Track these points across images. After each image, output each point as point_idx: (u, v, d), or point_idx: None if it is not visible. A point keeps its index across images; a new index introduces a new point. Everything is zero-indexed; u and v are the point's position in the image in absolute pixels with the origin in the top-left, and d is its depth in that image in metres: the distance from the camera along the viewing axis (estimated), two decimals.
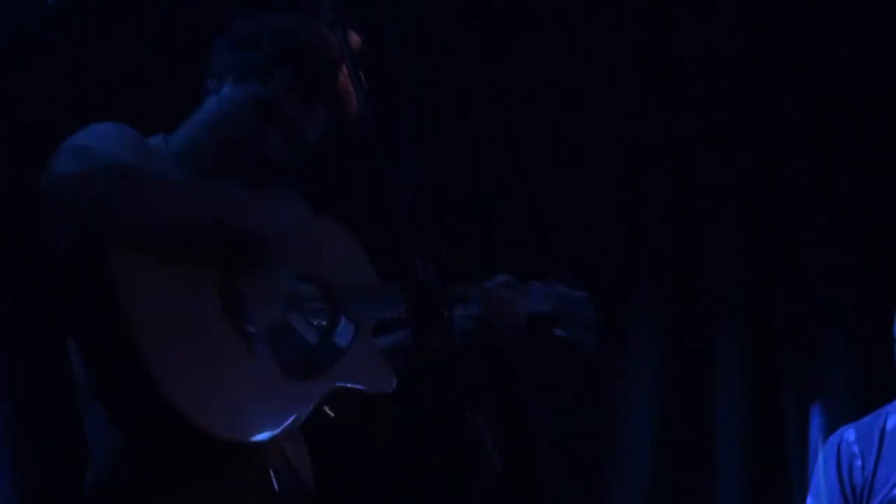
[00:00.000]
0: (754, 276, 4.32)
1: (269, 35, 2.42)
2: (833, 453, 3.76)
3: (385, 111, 2.77)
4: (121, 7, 2.95)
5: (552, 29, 4.27)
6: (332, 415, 2.32)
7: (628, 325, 4.29)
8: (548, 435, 4.20)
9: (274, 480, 2.26)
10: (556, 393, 4.19)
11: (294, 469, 2.35)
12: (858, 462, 3.71)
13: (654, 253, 4.32)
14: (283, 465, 2.32)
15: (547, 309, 2.87)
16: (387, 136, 2.40)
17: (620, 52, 4.32)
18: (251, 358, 2.21)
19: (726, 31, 4.33)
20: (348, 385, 2.33)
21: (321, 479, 2.50)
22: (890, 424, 3.75)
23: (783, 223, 4.33)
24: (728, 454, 4.25)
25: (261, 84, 2.40)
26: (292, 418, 2.23)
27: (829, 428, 3.98)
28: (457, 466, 2.28)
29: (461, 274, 3.89)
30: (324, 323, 2.33)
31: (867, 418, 3.78)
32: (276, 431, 2.22)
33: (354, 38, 2.37)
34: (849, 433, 3.76)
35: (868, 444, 3.75)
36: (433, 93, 4.19)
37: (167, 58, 3.32)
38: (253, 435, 2.19)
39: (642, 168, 4.35)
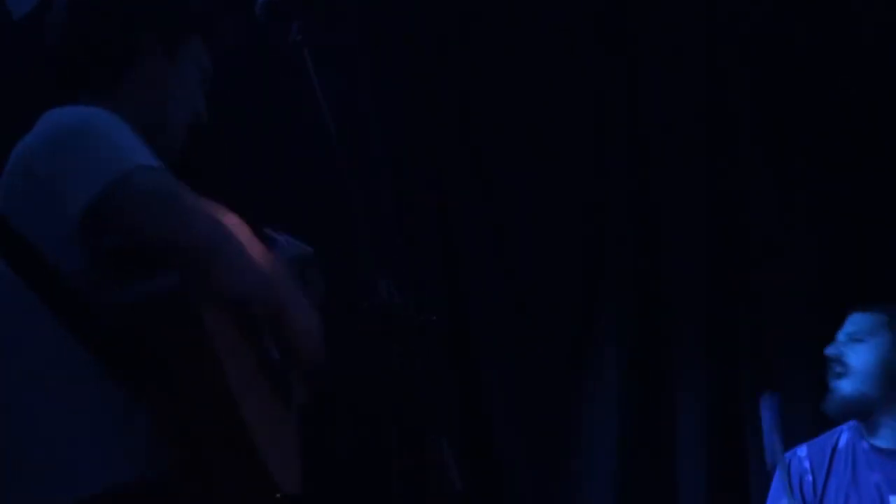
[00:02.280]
0: (714, 291, 4.42)
1: None
2: (786, 469, 3.78)
3: (352, 134, 2.81)
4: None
5: (519, 56, 4.36)
6: None
7: (592, 342, 4.39)
8: (513, 452, 4.31)
9: None
10: (522, 412, 4.29)
11: None
12: (809, 478, 3.80)
13: (617, 269, 4.41)
14: None
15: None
16: (353, 157, 2.44)
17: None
18: (288, 413, 2.24)
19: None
20: None
21: None
22: (842, 442, 3.83)
23: (741, 236, 4.43)
24: (690, 472, 4.35)
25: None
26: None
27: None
28: (419, 487, 2.33)
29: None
30: None
31: (821, 437, 3.86)
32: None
33: None
34: (801, 449, 3.82)
35: (820, 461, 3.84)
36: (400, 115, 4.26)
37: None
38: (300, 488, 2.19)
39: (605, 185, 4.45)
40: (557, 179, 4.39)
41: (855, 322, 3.77)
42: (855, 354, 3.73)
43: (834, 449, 3.86)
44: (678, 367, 4.36)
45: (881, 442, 3.75)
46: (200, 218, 2.04)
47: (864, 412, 3.76)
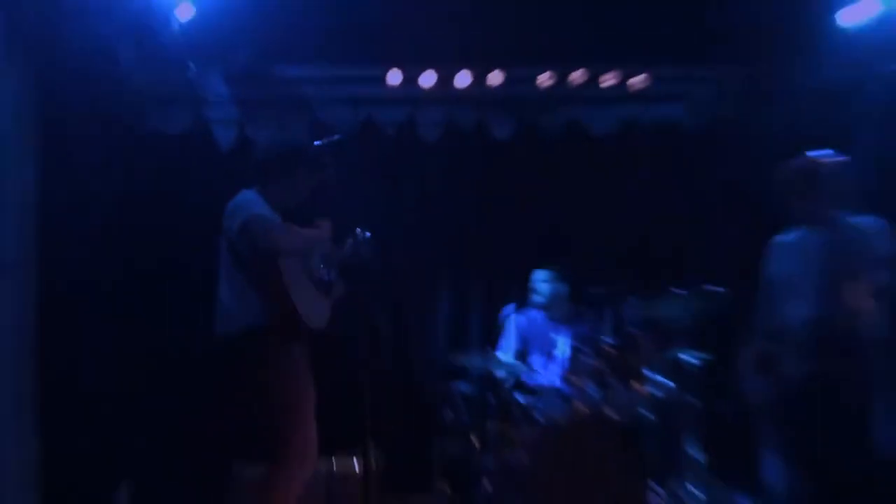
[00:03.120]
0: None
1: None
2: (509, 323, 5.90)
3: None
4: None
5: None
6: None
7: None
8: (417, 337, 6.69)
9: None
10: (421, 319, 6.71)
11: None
12: (524, 334, 5.96)
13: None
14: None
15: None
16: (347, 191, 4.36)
17: None
18: (317, 288, 4.56)
19: None
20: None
21: None
22: (533, 315, 5.98)
23: None
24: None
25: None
26: (328, 314, 4.51)
27: None
28: (373, 337, 4.57)
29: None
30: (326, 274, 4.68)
31: (524, 309, 5.93)
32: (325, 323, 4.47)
33: None
34: (515, 313, 5.83)
35: (526, 323, 5.96)
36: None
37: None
38: (320, 325, 4.45)
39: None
40: None
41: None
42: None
43: (532, 318, 5.94)
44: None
45: (550, 315, 5.96)
46: (275, 236, 4.24)
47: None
